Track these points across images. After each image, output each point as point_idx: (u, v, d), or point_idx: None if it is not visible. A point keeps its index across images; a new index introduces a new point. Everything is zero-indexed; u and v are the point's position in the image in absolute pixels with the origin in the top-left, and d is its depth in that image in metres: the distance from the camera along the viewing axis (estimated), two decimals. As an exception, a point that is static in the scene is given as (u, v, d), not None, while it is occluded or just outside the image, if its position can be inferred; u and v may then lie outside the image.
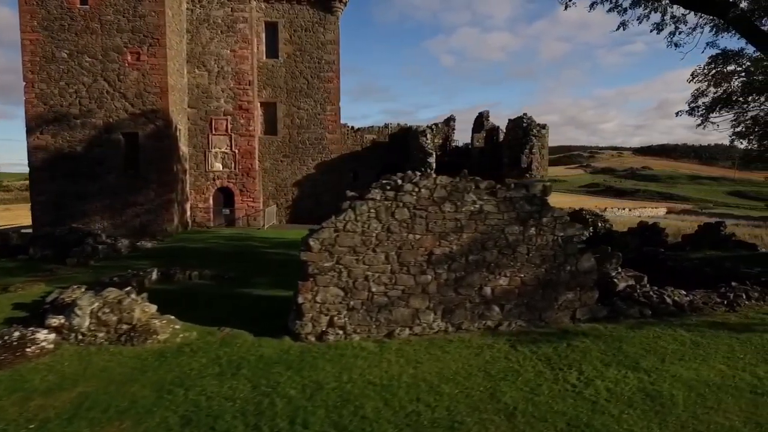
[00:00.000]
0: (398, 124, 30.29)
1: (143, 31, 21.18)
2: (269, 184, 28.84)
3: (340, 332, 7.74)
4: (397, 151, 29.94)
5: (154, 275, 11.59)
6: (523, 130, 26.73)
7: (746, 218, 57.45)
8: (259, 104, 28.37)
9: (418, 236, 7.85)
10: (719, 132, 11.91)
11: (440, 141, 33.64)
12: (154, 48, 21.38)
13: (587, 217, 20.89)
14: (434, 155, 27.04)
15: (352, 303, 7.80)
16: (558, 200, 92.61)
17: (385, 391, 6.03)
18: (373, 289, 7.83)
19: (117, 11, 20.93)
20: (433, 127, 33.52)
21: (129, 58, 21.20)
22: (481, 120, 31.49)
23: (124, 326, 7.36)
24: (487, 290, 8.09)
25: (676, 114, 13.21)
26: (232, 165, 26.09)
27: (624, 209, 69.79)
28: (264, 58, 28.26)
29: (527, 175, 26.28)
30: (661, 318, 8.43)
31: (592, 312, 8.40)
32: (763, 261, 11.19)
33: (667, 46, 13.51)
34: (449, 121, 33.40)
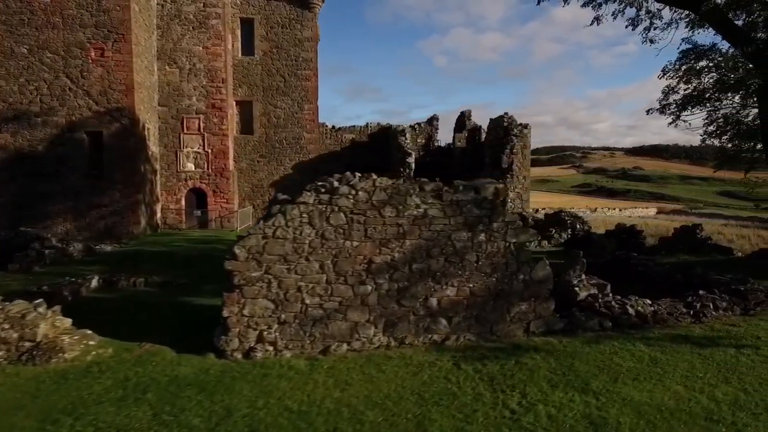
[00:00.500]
0: (378, 124, 29.66)
1: (107, 27, 20.38)
2: (245, 184, 28.10)
3: (270, 348, 7.08)
4: (377, 151, 29.32)
5: (94, 282, 10.88)
6: (503, 129, 26.16)
7: (735, 218, 57.32)
8: (234, 103, 27.64)
9: (356, 243, 7.20)
10: (692, 131, 11.36)
11: (423, 141, 33.07)
12: (119, 44, 20.59)
13: (566, 219, 20.37)
14: (413, 155, 26.43)
15: (283, 316, 7.14)
16: (550, 200, 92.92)
17: (301, 419, 5.38)
18: (307, 301, 7.17)
19: (79, 5, 20.12)
20: (416, 126, 32.98)
21: (92, 54, 20.40)
22: (463, 119, 30.91)
23: (27, 344, 6.66)
24: (433, 302, 7.46)
25: (647, 112, 12.68)
26: (205, 165, 25.33)
27: (615, 209, 69.43)
28: (240, 55, 27.52)
29: (508, 175, 25.73)
30: (622, 330, 7.83)
31: (548, 324, 7.78)
32: (737, 266, 10.65)
33: (643, 42, 12.96)
34: (432, 120, 32.81)
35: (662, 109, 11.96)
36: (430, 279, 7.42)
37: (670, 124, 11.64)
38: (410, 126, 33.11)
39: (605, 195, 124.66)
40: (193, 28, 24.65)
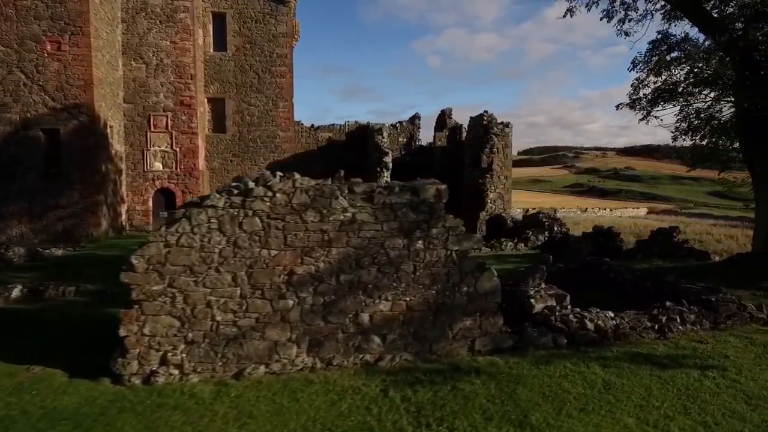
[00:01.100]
0: (356, 122, 28.80)
1: (64, 19, 19.39)
2: (218, 184, 27.10)
3: (176, 372, 6.22)
4: (355, 150, 28.48)
5: (16, 292, 9.95)
6: (483, 128, 25.38)
7: (725, 218, 57.02)
8: (206, 100, 26.70)
9: (274, 252, 6.35)
10: (664, 128, 10.59)
11: (405, 140, 32.31)
12: (77, 37, 19.60)
13: (544, 220, 19.61)
14: (390, 154, 25.59)
15: (191, 335, 6.27)
16: (542, 200, 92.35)
17: (179, 465, 4.52)
18: (218, 318, 6.31)
19: (34, -4, 19.13)
20: (397, 125, 32.20)
21: (48, 47, 19.40)
22: (443, 118, 30.12)
23: None
24: (365, 317, 6.62)
25: (617, 107, 11.88)
26: (173, 164, 24.36)
27: (605, 210, 68.99)
28: (211, 51, 26.59)
29: (488, 175, 24.97)
30: (578, 348, 7.03)
31: (495, 342, 6.97)
32: (712, 273, 9.90)
33: (618, 35, 12.24)
34: (414, 119, 32.00)
35: (632, 104, 11.19)
36: (361, 292, 6.58)
37: (641, 120, 10.87)
38: (391, 125, 32.33)
39: (597, 195, 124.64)
40: (160, 22, 23.67)
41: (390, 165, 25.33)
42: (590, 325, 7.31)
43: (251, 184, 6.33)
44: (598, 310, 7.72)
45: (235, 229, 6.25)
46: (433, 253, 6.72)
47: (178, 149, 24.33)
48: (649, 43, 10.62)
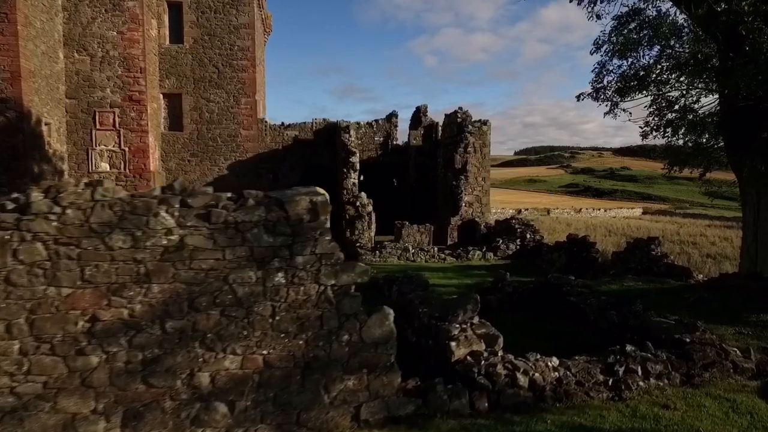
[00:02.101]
0: (324, 119, 26.94)
1: (-13, 5, 17.54)
2: (175, 186, 25.27)
3: None
4: (324, 149, 26.68)
5: None
6: (457, 126, 23.61)
7: (720, 218, 55.43)
8: (161, 96, 24.87)
9: (67, 290, 4.54)
10: (634, 123, 8.79)
11: (381, 139, 30.52)
12: (3, 25, 17.74)
13: (516, 227, 17.85)
14: (358, 154, 23.79)
15: (-54, 409, 4.46)
16: (536, 201, 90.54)
17: None
18: (-13, 384, 4.50)
19: (-49, -21, 17.27)
20: (374, 123, 30.43)
21: (-31, 36, 17.54)
22: (418, 115, 28.35)
23: None
24: (203, 378, 4.82)
25: (578, 97, 9.99)
26: (122, 165, 22.49)
27: (600, 210, 67.36)
28: (167, 43, 24.76)
29: (462, 177, 23.20)
30: (502, 415, 5.23)
31: (390, 408, 5.16)
32: (691, 299, 8.14)
33: (588, 18, 10.39)
34: (391, 117, 30.20)
35: (595, 94, 9.28)
36: (198, 344, 4.78)
37: (606, 113, 8.99)
38: (367, 123, 30.57)
39: (592, 195, 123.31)
40: (105, 10, 21.80)
41: (357, 166, 23.54)
42: (523, 381, 5.51)
43: (34, 196, 4.52)
44: (539, 356, 5.92)
45: (7, 260, 4.43)
46: (299, 290, 4.91)
47: (126, 148, 22.46)
48: (614, 18, 8.73)
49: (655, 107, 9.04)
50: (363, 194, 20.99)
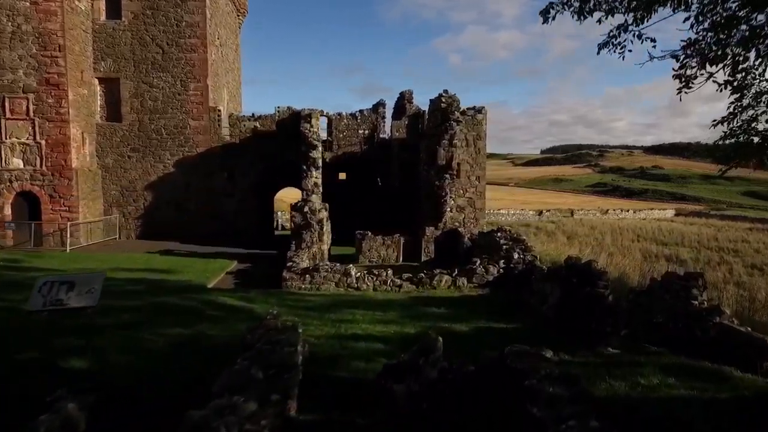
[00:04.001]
0: (288, 108, 22.85)
1: None
2: (112, 186, 21.65)
3: None
4: (288, 143, 22.57)
5: None
6: (441, 113, 19.18)
7: (762, 221, 49.56)
8: (96, 81, 21.24)
9: None
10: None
11: (366, 132, 26.36)
12: None
13: (501, 242, 13.36)
14: (320, 147, 19.61)
15: None
16: (561, 201, 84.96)
17: None
18: None
19: None
20: (357, 114, 26.27)
21: None
22: (402, 103, 23.99)
23: None
24: None
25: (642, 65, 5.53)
26: (38, 161, 18.90)
27: (629, 211, 61.81)
28: (103, 18, 21.10)
29: (447, 176, 18.76)
30: None
31: None
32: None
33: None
34: (378, 106, 25.96)
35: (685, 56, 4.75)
36: None
37: (681, 89, 4.68)
38: (350, 114, 26.42)
39: (621, 195, 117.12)
40: (16, -24, 18.26)
41: (319, 162, 19.37)
42: None
43: None
44: None
45: None
46: None
47: (43, 141, 18.86)
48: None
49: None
50: (314, 197, 16.83)
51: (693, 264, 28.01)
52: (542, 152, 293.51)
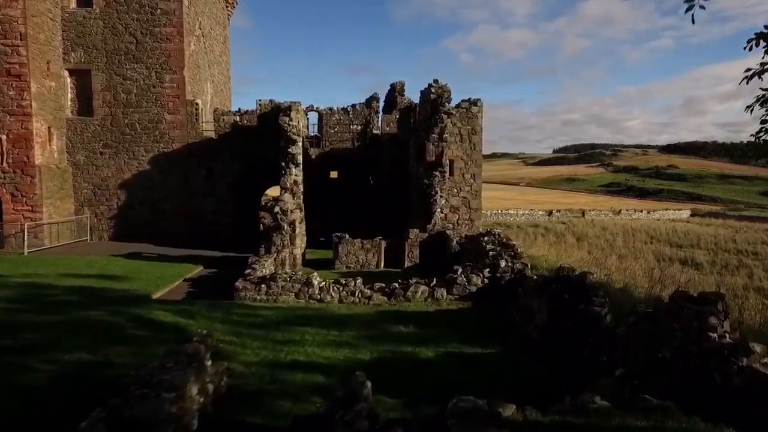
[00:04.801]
0: (271, 101, 21.39)
1: None
2: (84, 185, 20.39)
3: None
4: (271, 139, 21.11)
5: None
6: (431, 105, 17.57)
7: (782, 222, 47.19)
8: (66, 73, 19.99)
9: None
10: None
11: (359, 127, 24.87)
12: None
13: (488, 248, 11.74)
14: (299, 142, 18.11)
15: None
16: (573, 201, 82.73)
17: None
18: None
19: None
20: (349, 109, 24.79)
21: None
22: (393, 96, 22.41)
23: None
24: None
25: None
26: (-2, 158, 17.69)
27: (642, 211, 59.61)
28: (73, 5, 19.84)
29: (437, 173, 17.16)
30: None
31: None
32: None
33: None
34: (372, 101, 24.44)
35: None
36: None
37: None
38: (342, 109, 24.96)
39: (635, 195, 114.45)
40: (-26, -41, 17.04)
41: (300, 158, 17.88)
42: None
43: None
44: None
45: None
46: None
47: (3, 136, 17.64)
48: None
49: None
50: (287, 196, 15.34)
51: (709, 268, 26.03)
52: (554, 152, 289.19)
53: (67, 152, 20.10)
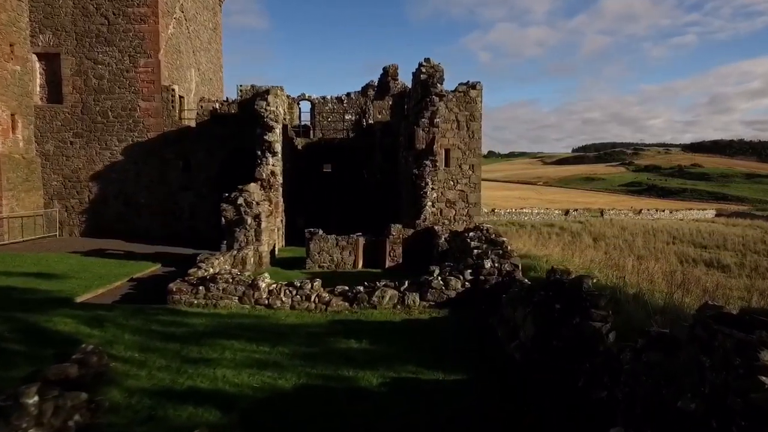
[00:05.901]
0: (252, 86, 19.78)
1: None
2: (53, 176, 19.07)
3: None
4: (253, 128, 19.52)
5: None
6: (422, 86, 15.73)
7: (812, 222, 44.36)
8: (33, 56, 18.70)
9: None
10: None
11: (354, 117, 23.27)
12: None
13: (472, 245, 9.86)
14: (277, 129, 16.42)
15: None
16: (592, 200, 79.93)
17: None
18: None
19: None
20: (344, 98, 23.20)
21: None
22: (386, 80, 20.61)
23: None
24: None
25: None
26: (-45, 146, 16.42)
27: (664, 211, 57.03)
28: (41, -15, 18.53)
29: (427, 163, 15.32)
30: None
31: None
32: None
33: None
34: (367, 89, 22.77)
35: None
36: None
37: None
38: (336, 98, 23.38)
39: (657, 195, 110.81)
40: (-73, -68, 15.79)
41: (277, 147, 16.20)
42: None
43: None
44: None
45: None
46: None
47: (-40, 124, 16.36)
48: None
49: None
50: (253, 186, 13.68)
51: (738, 270, 23.74)
52: (574, 151, 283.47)
53: (36, 142, 18.81)
